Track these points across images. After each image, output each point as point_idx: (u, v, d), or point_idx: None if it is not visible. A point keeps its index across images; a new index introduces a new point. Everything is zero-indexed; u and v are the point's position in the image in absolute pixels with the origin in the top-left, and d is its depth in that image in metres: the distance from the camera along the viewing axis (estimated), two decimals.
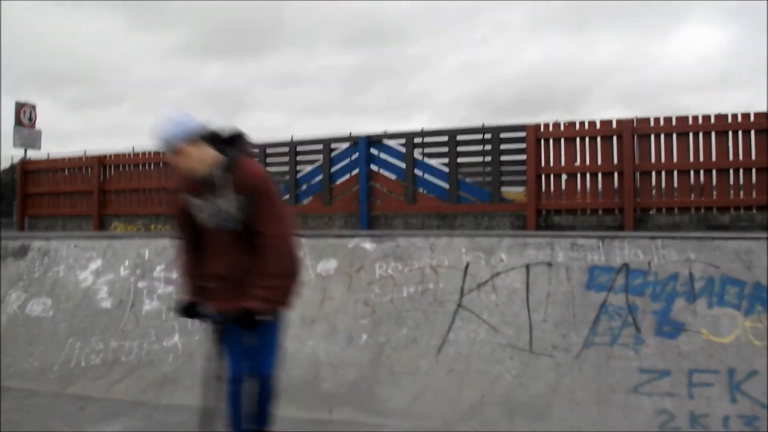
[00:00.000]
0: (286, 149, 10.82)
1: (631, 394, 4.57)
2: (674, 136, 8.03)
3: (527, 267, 5.42)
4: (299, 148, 10.71)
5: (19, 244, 7.14)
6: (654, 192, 8.19)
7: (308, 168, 10.60)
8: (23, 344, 6.16)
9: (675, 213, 8.02)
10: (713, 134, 7.85)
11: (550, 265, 5.37)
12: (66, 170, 13.17)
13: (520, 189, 9.21)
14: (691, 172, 7.97)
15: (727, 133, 7.78)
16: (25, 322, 6.38)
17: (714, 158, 7.84)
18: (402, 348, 5.27)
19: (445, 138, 9.49)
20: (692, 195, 7.98)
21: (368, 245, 5.96)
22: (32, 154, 17.75)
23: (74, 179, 12.94)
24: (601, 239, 5.38)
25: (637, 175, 8.17)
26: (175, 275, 6.40)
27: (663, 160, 8.07)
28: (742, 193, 7.80)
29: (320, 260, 6.00)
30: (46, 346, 6.07)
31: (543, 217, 8.65)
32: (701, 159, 7.90)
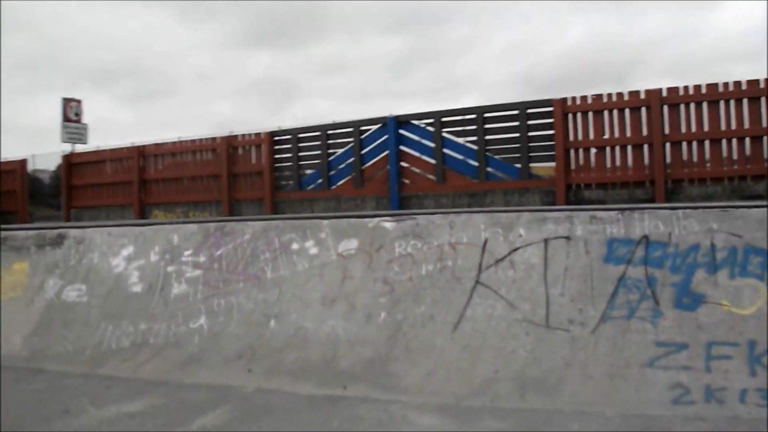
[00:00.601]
0: (318, 134, 10.92)
1: (646, 368, 4.49)
2: (704, 104, 7.81)
3: (545, 241, 5.36)
4: (330, 132, 10.79)
5: (56, 233, 7.39)
6: (685, 163, 7.98)
7: (339, 151, 10.67)
8: (59, 328, 6.40)
9: (708, 184, 7.81)
10: (745, 101, 7.60)
11: (568, 239, 5.30)
12: (108, 162, 13.55)
13: (550, 164, 9.09)
14: (723, 141, 7.75)
15: (759, 99, 7.53)
16: (61, 308, 6.62)
17: (747, 125, 7.60)
18: (419, 325, 5.29)
19: (473, 116, 9.43)
20: (725, 164, 7.76)
21: (388, 224, 5.98)
22: (82, 148, 18.33)
23: (116, 170, 13.30)
24: (621, 211, 5.28)
25: (668, 146, 7.98)
26: (202, 259, 6.56)
27: (694, 129, 7.87)
28: None
29: (342, 240, 6.06)
30: (80, 330, 6.29)
31: (573, 191, 8.53)
32: (733, 127, 7.67)
